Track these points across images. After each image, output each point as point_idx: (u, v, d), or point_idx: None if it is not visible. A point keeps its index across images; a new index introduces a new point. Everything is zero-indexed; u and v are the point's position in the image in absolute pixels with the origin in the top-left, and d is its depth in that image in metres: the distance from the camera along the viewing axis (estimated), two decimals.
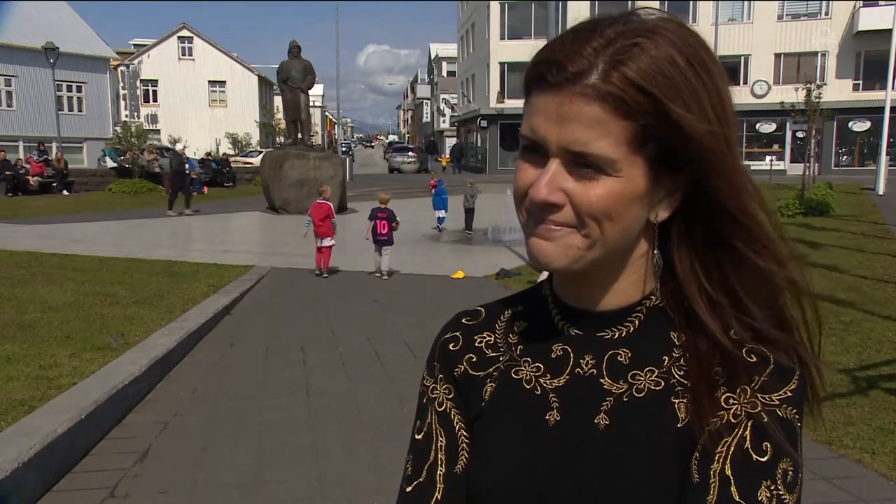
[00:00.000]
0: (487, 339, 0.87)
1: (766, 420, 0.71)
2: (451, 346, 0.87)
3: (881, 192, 22.57)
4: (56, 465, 3.72)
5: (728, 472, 0.70)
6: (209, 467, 3.92)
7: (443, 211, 15.89)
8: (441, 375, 0.87)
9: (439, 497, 0.82)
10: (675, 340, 0.78)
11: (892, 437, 4.03)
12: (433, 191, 16.91)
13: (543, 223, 0.72)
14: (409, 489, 0.84)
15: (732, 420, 0.71)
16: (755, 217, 0.74)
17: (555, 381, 0.80)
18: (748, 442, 0.70)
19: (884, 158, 23.71)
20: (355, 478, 3.77)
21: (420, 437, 0.86)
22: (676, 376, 0.76)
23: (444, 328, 0.90)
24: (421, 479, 0.83)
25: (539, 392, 0.80)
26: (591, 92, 0.67)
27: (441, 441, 0.84)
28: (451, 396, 0.86)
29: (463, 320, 0.90)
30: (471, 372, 0.85)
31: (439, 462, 0.83)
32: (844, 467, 3.75)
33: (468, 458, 0.83)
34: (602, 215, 0.70)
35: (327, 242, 10.03)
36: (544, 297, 0.85)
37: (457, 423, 0.84)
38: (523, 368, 0.82)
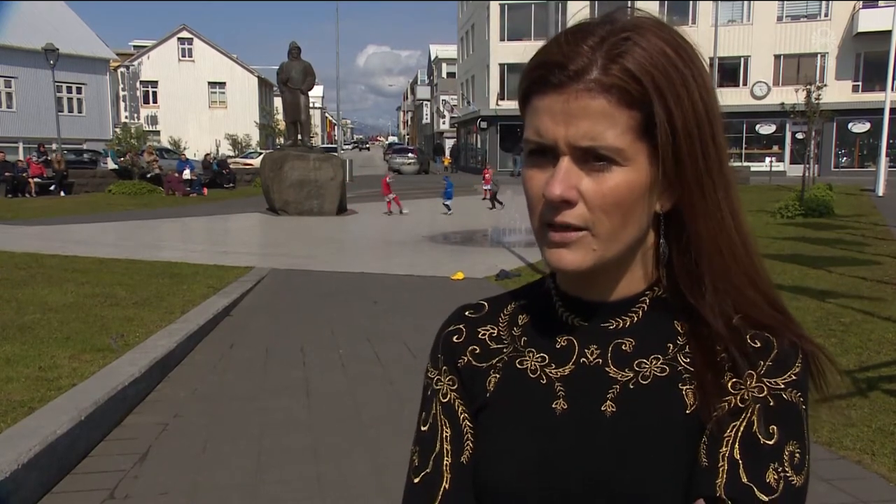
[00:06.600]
0: (491, 331, 0.88)
1: (772, 404, 0.73)
2: (454, 339, 0.88)
3: (881, 194, 22.59)
4: (56, 466, 3.72)
5: (736, 456, 0.72)
6: (209, 468, 3.92)
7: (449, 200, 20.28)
8: (445, 367, 0.88)
9: (447, 487, 0.83)
10: (680, 329, 0.80)
11: (892, 439, 4.03)
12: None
13: (557, 230, 0.73)
14: (416, 480, 0.85)
15: (740, 405, 0.74)
16: (733, 256, 0.77)
17: (560, 370, 0.81)
18: (756, 426, 0.72)
19: (883, 160, 23.76)
20: (355, 478, 3.77)
21: (426, 428, 0.87)
22: (682, 363, 0.78)
23: (447, 321, 0.91)
24: (428, 470, 0.84)
25: (545, 381, 0.81)
26: (595, 86, 0.69)
27: (446, 432, 0.85)
28: (454, 387, 0.86)
29: (466, 313, 0.91)
30: (474, 363, 0.86)
31: (445, 452, 0.84)
32: (844, 469, 3.74)
33: (473, 448, 0.84)
34: (615, 208, 0.72)
35: (390, 197, 19.60)
36: (548, 289, 0.86)
37: (461, 413, 0.85)
38: (528, 359, 0.83)
